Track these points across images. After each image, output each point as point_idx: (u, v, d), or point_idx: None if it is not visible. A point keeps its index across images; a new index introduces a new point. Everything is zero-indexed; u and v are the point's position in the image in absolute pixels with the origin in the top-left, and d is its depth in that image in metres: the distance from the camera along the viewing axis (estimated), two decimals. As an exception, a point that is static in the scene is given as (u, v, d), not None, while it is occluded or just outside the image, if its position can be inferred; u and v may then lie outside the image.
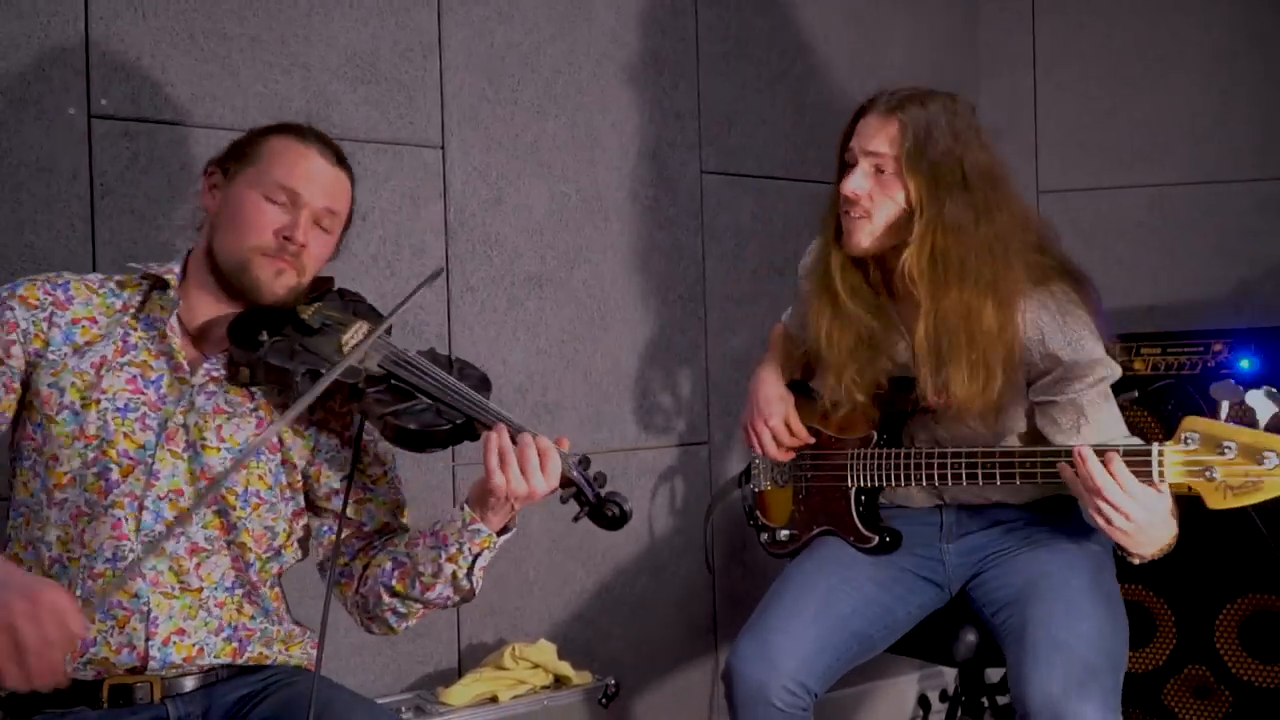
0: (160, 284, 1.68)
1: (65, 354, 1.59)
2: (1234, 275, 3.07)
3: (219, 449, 1.63)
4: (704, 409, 2.85)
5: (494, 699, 2.31)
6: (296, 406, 1.53)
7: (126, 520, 1.57)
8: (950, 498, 2.07)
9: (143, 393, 1.61)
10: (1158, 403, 2.61)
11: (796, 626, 1.94)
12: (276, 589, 1.73)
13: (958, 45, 3.32)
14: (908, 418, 2.03)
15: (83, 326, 1.61)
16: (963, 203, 1.86)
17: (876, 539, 2.05)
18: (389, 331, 1.69)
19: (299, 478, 1.72)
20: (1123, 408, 2.36)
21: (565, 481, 1.60)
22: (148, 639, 1.56)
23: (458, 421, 1.61)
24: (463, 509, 1.61)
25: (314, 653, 1.73)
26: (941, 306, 1.86)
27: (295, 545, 1.73)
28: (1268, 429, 1.62)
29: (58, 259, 2.05)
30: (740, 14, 2.90)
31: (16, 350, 1.57)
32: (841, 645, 1.96)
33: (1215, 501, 1.65)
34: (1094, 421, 1.87)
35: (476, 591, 1.65)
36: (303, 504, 1.73)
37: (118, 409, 1.59)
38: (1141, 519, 1.68)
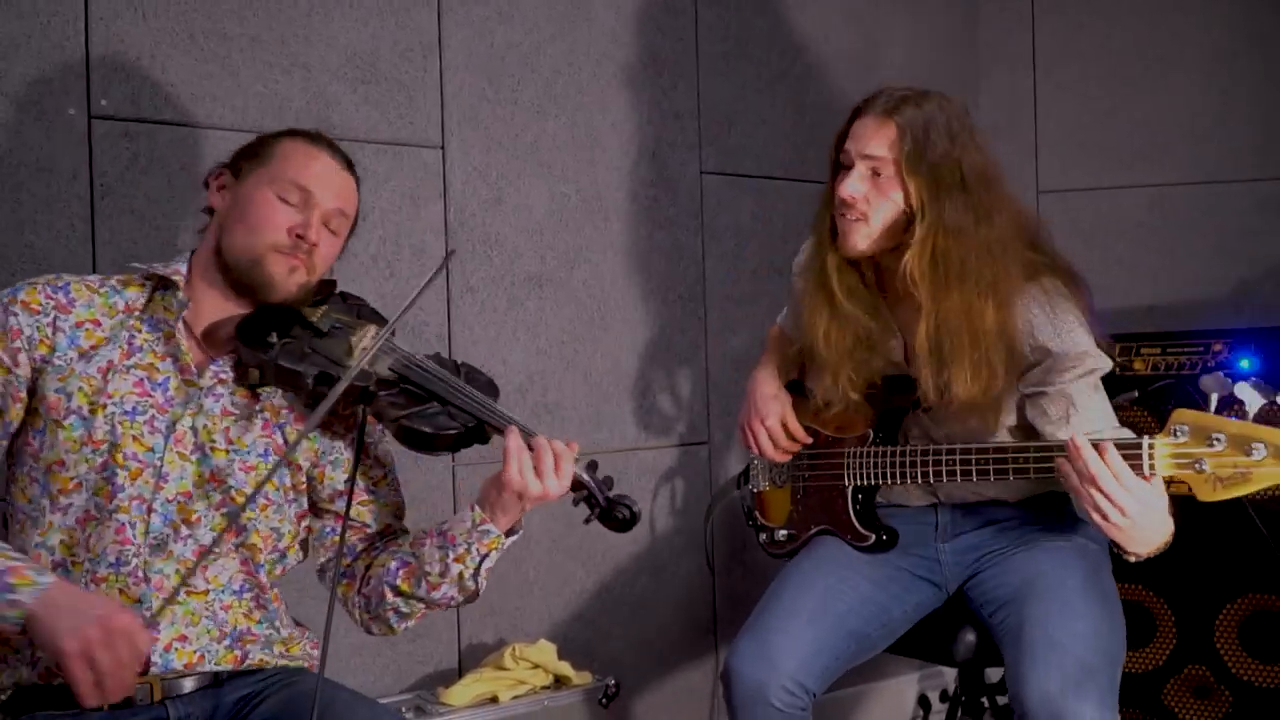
0: (164, 284, 1.67)
1: (71, 359, 1.58)
2: (1234, 275, 3.07)
3: (227, 451, 1.63)
4: (704, 409, 2.85)
5: (494, 699, 2.31)
6: (317, 413, 1.54)
7: (131, 525, 1.57)
8: (945, 496, 2.08)
9: (150, 395, 1.60)
10: (1158, 403, 2.61)
11: (795, 626, 1.94)
12: (277, 590, 1.73)
13: (958, 45, 3.32)
14: (903, 416, 2.04)
15: (86, 330, 1.60)
16: (962, 204, 1.86)
17: (873, 537, 2.05)
18: (393, 333, 1.70)
19: (304, 480, 1.72)
20: (1123, 408, 2.37)
21: (576, 484, 1.65)
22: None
23: (469, 425, 1.64)
24: (472, 510, 1.64)
25: (313, 653, 1.74)
26: (943, 308, 1.87)
27: (298, 547, 1.74)
28: (1256, 420, 1.61)
29: (58, 259, 2.05)
30: (740, 14, 2.90)
31: (23, 358, 1.56)
32: (840, 645, 1.97)
33: (1205, 494, 1.65)
34: (1083, 411, 1.87)
35: (481, 592, 1.67)
36: (306, 506, 1.74)
37: (125, 412, 1.58)
38: (1135, 513, 1.66)
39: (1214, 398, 1.64)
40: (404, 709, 2.29)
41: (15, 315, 1.57)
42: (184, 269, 1.67)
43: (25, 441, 1.59)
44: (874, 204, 1.89)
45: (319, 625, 1.60)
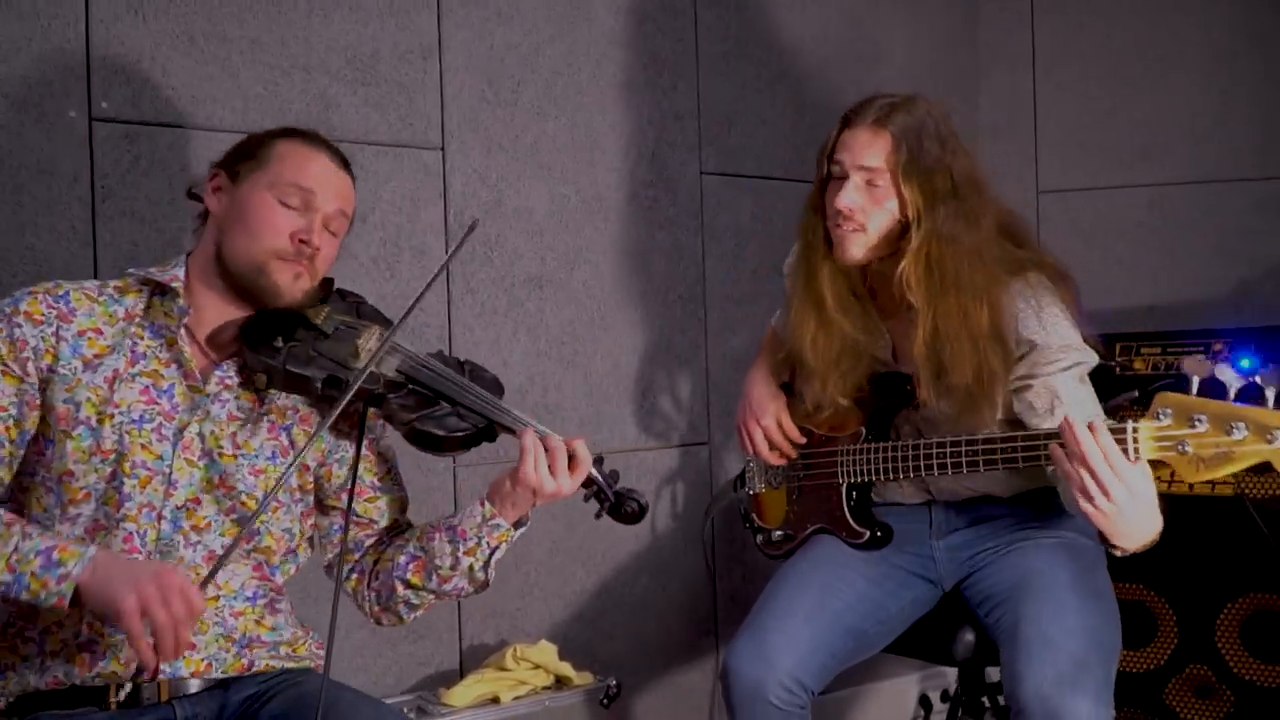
0: (161, 289, 1.66)
1: (76, 368, 1.57)
2: (1234, 275, 3.07)
3: (235, 456, 1.64)
4: (704, 409, 2.86)
5: (495, 700, 2.31)
6: (325, 422, 1.56)
7: (139, 533, 1.57)
8: (938, 492, 2.09)
9: (156, 403, 1.60)
10: (1158, 402, 2.61)
11: (792, 625, 1.96)
12: (285, 590, 1.74)
13: (958, 45, 3.32)
14: (895, 414, 2.05)
15: (89, 338, 1.59)
16: (954, 211, 1.89)
17: (868, 534, 2.07)
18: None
19: (310, 479, 1.73)
20: (1123, 407, 2.37)
21: (586, 481, 1.67)
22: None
23: (480, 425, 1.66)
24: (482, 505, 1.67)
25: (318, 653, 1.75)
26: (939, 313, 1.89)
27: (306, 544, 1.75)
28: (1237, 400, 1.62)
29: (59, 262, 2.05)
30: (740, 14, 2.90)
31: (31, 368, 1.56)
32: (837, 642, 1.98)
33: (1189, 474, 1.64)
34: (1068, 403, 1.87)
35: (490, 582, 1.71)
36: (312, 504, 1.75)
37: (132, 421, 1.58)
38: (1122, 498, 1.65)
39: (1195, 380, 1.64)
40: (405, 709, 2.29)
41: (19, 326, 1.56)
42: (181, 273, 1.66)
43: (38, 451, 1.58)
44: (870, 214, 1.92)
45: (323, 625, 1.60)
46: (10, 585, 1.42)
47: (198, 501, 1.61)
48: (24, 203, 2.04)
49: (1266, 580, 2.54)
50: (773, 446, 2.15)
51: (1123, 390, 2.55)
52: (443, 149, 2.48)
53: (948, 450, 1.91)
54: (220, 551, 1.61)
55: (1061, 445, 1.68)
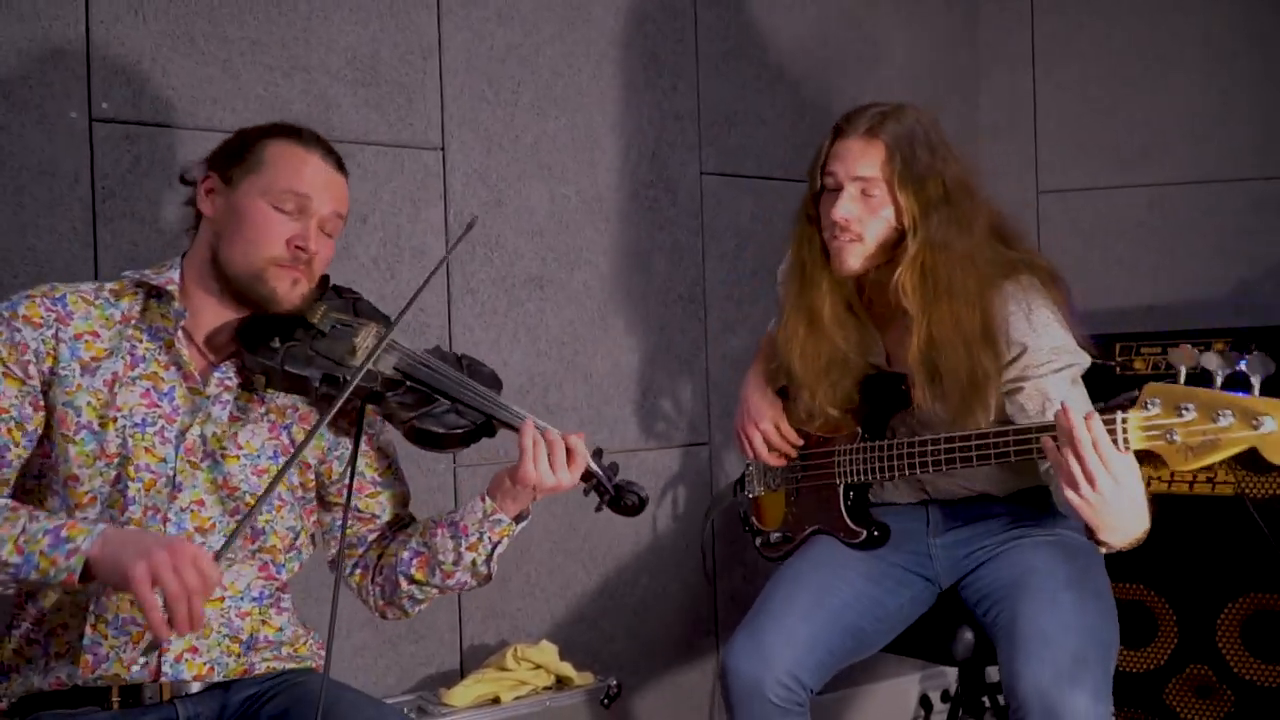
0: (156, 292, 1.65)
1: (75, 371, 1.57)
2: (1234, 275, 3.07)
3: (237, 457, 1.64)
4: (704, 410, 2.86)
5: (496, 700, 2.31)
6: (321, 423, 1.56)
7: None
8: (934, 491, 2.11)
9: (158, 406, 1.60)
10: (1158, 402, 2.61)
11: (790, 623, 1.97)
12: (289, 587, 1.75)
13: (958, 45, 3.32)
14: (890, 414, 2.06)
15: (86, 341, 1.59)
16: (947, 217, 1.91)
17: (865, 533, 2.08)
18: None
19: (311, 477, 1.74)
20: (1123, 407, 2.37)
21: (586, 474, 1.68)
22: (160, 655, 1.57)
23: (479, 421, 1.67)
24: (484, 500, 1.68)
25: (319, 653, 1.75)
26: (933, 319, 1.90)
27: (309, 541, 1.76)
28: (1224, 388, 1.62)
29: (60, 263, 2.05)
30: (740, 14, 2.90)
31: (33, 370, 1.56)
32: (835, 639, 1.99)
33: (1177, 463, 1.65)
34: (1059, 404, 1.87)
35: (493, 575, 1.72)
36: (314, 501, 1.76)
37: (135, 424, 1.58)
38: (1108, 489, 1.65)
39: (1183, 370, 1.65)
40: (406, 709, 2.29)
41: (19, 330, 1.56)
42: (176, 276, 1.65)
43: (43, 454, 1.58)
44: (867, 224, 1.94)
45: (323, 625, 1.61)
46: (19, 566, 1.41)
47: (201, 503, 1.61)
48: (25, 204, 2.04)
49: (1267, 580, 2.54)
50: (772, 449, 2.16)
51: (1123, 390, 2.55)
52: (443, 149, 2.48)
53: (941, 447, 1.92)
54: (227, 553, 1.60)
55: (1054, 437, 1.69)
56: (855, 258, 1.95)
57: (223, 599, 1.62)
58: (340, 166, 1.70)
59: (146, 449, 1.58)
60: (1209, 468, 2.56)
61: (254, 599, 1.66)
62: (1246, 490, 2.52)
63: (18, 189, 2.03)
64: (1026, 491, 2.05)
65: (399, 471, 1.81)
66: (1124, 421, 1.66)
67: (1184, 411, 1.62)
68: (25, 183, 2.04)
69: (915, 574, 2.10)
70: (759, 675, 1.91)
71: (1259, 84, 3.09)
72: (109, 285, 1.66)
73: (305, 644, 1.73)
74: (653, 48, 2.77)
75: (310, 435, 1.58)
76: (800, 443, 2.16)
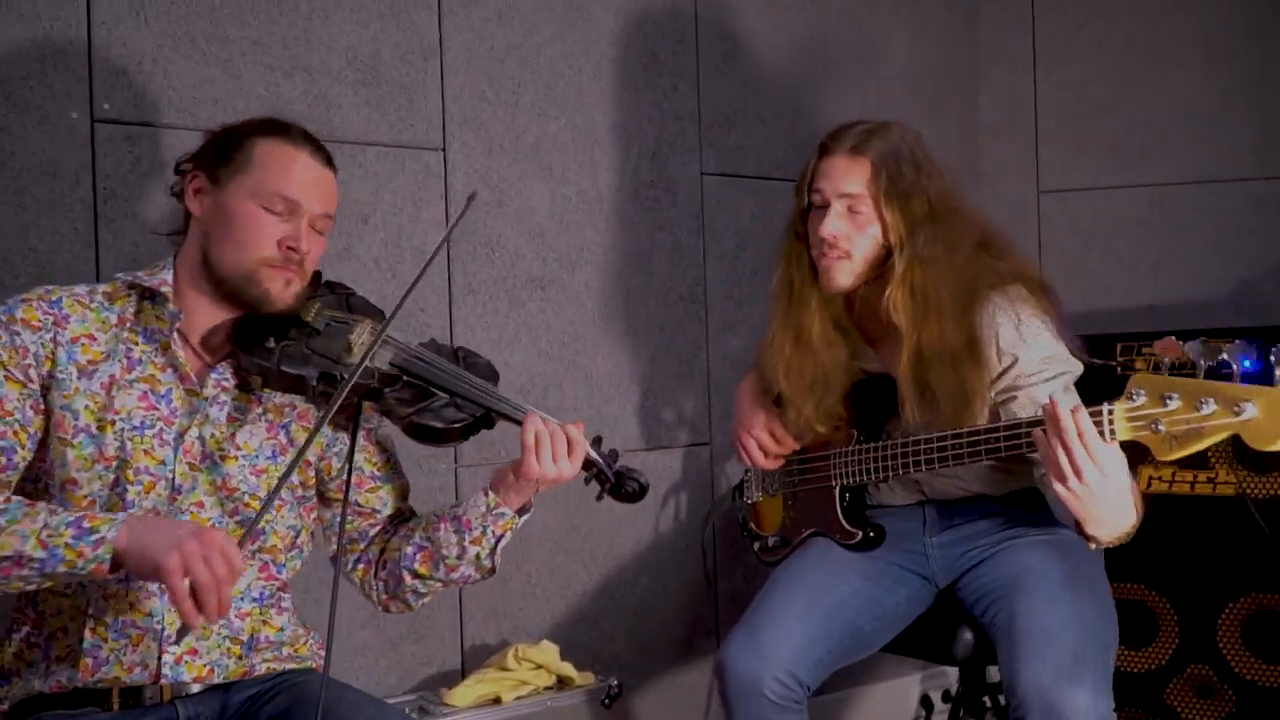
0: (150, 293, 1.64)
1: (72, 374, 1.57)
2: (1234, 275, 3.07)
3: (237, 458, 1.64)
4: (705, 410, 2.86)
5: (497, 700, 2.32)
6: (320, 422, 1.56)
7: None
8: (931, 492, 2.12)
9: (156, 408, 1.60)
10: (1158, 402, 2.61)
11: (787, 621, 1.98)
12: (290, 586, 1.75)
13: (958, 45, 3.32)
14: (887, 416, 2.07)
15: (83, 344, 1.59)
16: (933, 235, 1.93)
17: (860, 534, 2.09)
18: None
19: (311, 474, 1.74)
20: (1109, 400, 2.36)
21: (586, 463, 1.68)
22: (160, 657, 1.57)
23: (477, 414, 1.67)
24: (486, 495, 1.69)
25: (319, 652, 1.75)
26: (922, 336, 1.92)
27: (309, 538, 1.76)
28: (1206, 377, 1.63)
29: (61, 263, 2.05)
30: (740, 14, 2.91)
31: (34, 374, 1.56)
32: (832, 637, 2.00)
33: (1163, 453, 1.66)
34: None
35: (497, 568, 1.72)
36: (314, 499, 1.76)
37: (134, 428, 1.58)
38: (1094, 480, 1.66)
39: (1166, 360, 1.66)
40: (407, 710, 2.29)
41: (18, 334, 1.55)
42: (170, 277, 1.64)
43: (39, 457, 1.58)
44: (855, 240, 1.96)
45: (323, 625, 1.61)
46: (45, 561, 1.41)
47: (201, 505, 1.61)
48: (26, 204, 2.04)
49: (1268, 580, 2.54)
50: (768, 455, 2.18)
51: (1123, 390, 2.55)
52: (444, 149, 2.48)
53: (934, 445, 1.93)
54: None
55: (1045, 430, 1.71)
56: (845, 275, 1.98)
57: None
58: (329, 162, 1.68)
59: (145, 452, 1.58)
60: (1211, 468, 2.57)
61: (255, 599, 1.66)
62: (1248, 490, 2.52)
63: (19, 189, 2.03)
64: (1022, 492, 2.06)
65: (398, 465, 1.81)
66: (1110, 413, 1.68)
67: (1168, 401, 1.64)
68: (27, 183, 2.04)
69: (912, 572, 2.11)
70: (756, 673, 1.93)
71: (1259, 84, 3.10)
72: (102, 288, 1.65)
73: (305, 644, 1.74)
74: (653, 48, 2.77)
75: (310, 437, 1.57)
76: (796, 446, 2.17)
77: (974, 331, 1.92)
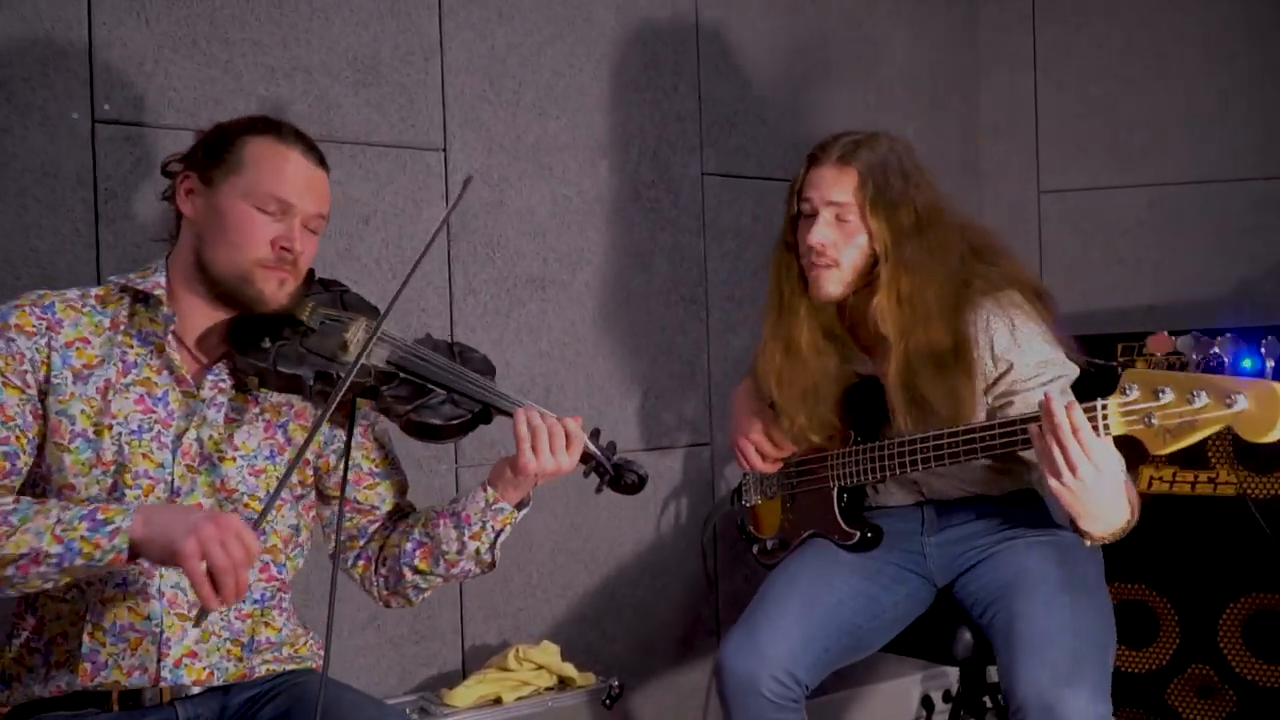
0: (143, 296, 1.64)
1: (68, 379, 1.57)
2: (1234, 274, 3.07)
3: (235, 459, 1.64)
4: (706, 411, 2.86)
5: (498, 700, 2.32)
6: (318, 422, 1.56)
7: None
8: (930, 492, 2.12)
9: (153, 411, 1.60)
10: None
11: (784, 621, 1.99)
12: (290, 586, 1.75)
13: (958, 45, 3.33)
14: (884, 421, 2.07)
15: (77, 349, 1.58)
16: (920, 245, 1.94)
17: (858, 535, 2.10)
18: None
19: (310, 473, 1.74)
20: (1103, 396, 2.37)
21: (584, 456, 1.68)
22: (159, 661, 1.57)
23: (475, 410, 1.66)
24: (485, 490, 1.69)
25: (319, 652, 1.75)
26: (910, 345, 1.93)
27: (308, 537, 1.77)
28: (1198, 369, 1.64)
29: (62, 264, 2.05)
30: (740, 15, 2.91)
31: (30, 379, 1.55)
32: (830, 636, 2.00)
33: (1156, 447, 1.66)
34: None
35: (496, 563, 1.72)
36: (313, 497, 1.76)
37: (131, 431, 1.58)
38: (1089, 476, 1.67)
39: (1159, 356, 1.66)
40: (408, 710, 2.29)
41: (13, 340, 1.55)
42: (163, 279, 1.64)
43: (36, 462, 1.58)
44: (842, 249, 1.97)
45: (322, 625, 1.61)
46: (61, 555, 1.41)
47: (200, 507, 1.61)
48: (27, 205, 2.04)
49: (1268, 580, 2.54)
50: (765, 458, 2.19)
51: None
52: (444, 150, 2.48)
53: (930, 444, 1.94)
54: None
55: (1040, 425, 1.71)
56: (833, 284, 1.99)
57: None
58: (321, 161, 1.68)
59: (144, 455, 1.58)
60: (1212, 468, 2.57)
61: (255, 601, 1.66)
62: (1248, 491, 2.53)
63: (20, 190, 2.03)
64: (1020, 493, 2.06)
65: (395, 461, 1.81)
66: (1104, 408, 1.69)
67: (1161, 394, 1.65)
68: (28, 184, 2.04)
69: (911, 572, 2.12)
70: (754, 671, 1.93)
71: (1259, 84, 3.10)
72: (94, 291, 1.65)
73: (305, 644, 1.74)
74: (653, 48, 2.77)
75: (310, 438, 1.57)
76: (793, 450, 2.18)
77: (961, 338, 1.93)
